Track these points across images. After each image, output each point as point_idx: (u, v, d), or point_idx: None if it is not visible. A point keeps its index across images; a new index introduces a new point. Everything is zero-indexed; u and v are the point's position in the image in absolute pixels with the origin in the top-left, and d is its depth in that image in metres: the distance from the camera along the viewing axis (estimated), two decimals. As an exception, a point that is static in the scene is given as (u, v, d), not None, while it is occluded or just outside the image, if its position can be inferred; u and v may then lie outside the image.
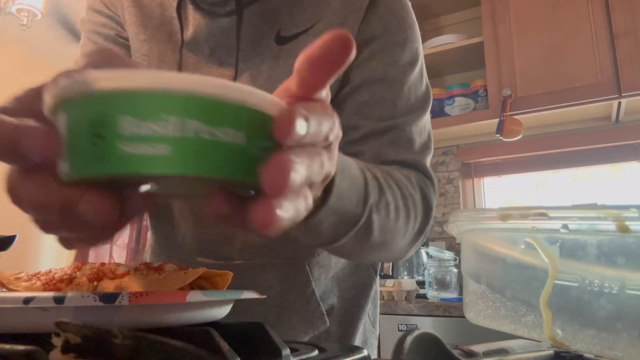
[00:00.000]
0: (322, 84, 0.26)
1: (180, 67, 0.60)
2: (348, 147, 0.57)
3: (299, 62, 0.25)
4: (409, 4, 0.62)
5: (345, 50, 0.24)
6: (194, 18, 0.60)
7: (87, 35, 0.68)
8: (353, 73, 0.58)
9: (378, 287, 0.76)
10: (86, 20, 0.69)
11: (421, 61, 0.62)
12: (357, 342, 0.71)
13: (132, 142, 0.19)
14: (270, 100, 0.22)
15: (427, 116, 0.63)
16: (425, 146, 0.61)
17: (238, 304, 0.62)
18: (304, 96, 0.26)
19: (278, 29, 0.59)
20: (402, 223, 0.51)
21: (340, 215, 0.40)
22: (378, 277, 0.75)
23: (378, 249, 0.51)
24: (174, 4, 0.61)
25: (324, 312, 0.63)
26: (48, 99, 0.22)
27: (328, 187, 0.36)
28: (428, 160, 0.61)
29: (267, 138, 0.22)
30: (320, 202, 0.37)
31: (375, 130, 0.56)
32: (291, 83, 0.27)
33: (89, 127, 0.19)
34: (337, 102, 0.58)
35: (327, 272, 0.67)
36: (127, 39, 0.66)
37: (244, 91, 0.20)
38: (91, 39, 0.67)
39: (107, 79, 0.19)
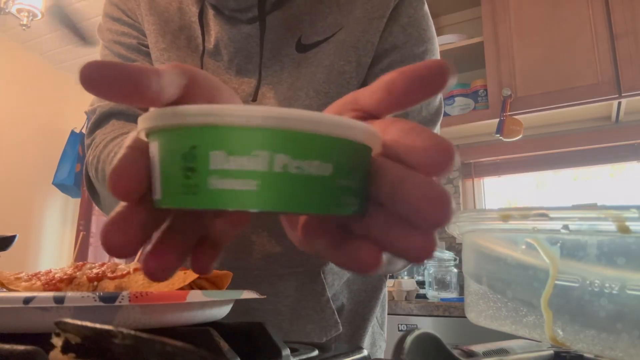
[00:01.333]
0: (410, 104, 0.24)
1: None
2: None
3: (392, 76, 0.23)
4: (429, 15, 0.63)
5: (445, 78, 0.23)
6: (214, 24, 0.60)
7: (107, 46, 0.66)
8: (370, 81, 0.58)
9: (386, 290, 0.76)
10: (104, 29, 0.66)
11: None
12: (366, 344, 0.70)
13: (222, 178, 0.19)
14: (363, 129, 0.21)
15: (437, 129, 0.64)
16: None
17: (252, 312, 0.62)
18: (380, 113, 0.25)
19: (299, 36, 0.59)
20: None
21: None
22: (387, 280, 0.76)
23: None
24: (194, 10, 0.60)
25: (339, 321, 0.63)
26: (142, 126, 0.22)
27: None
28: None
29: (359, 169, 0.21)
30: None
31: None
32: (360, 96, 0.25)
33: (182, 159, 0.19)
34: None
35: (341, 278, 0.67)
36: (148, 47, 0.64)
37: (337, 124, 0.20)
38: (112, 49, 0.65)
39: (201, 114, 0.19)
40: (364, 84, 0.59)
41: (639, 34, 1.79)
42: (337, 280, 0.66)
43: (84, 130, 3.35)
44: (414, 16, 0.60)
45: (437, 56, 0.63)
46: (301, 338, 0.62)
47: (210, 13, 0.60)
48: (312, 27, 0.59)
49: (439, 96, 0.63)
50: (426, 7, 0.62)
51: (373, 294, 0.71)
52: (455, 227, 0.41)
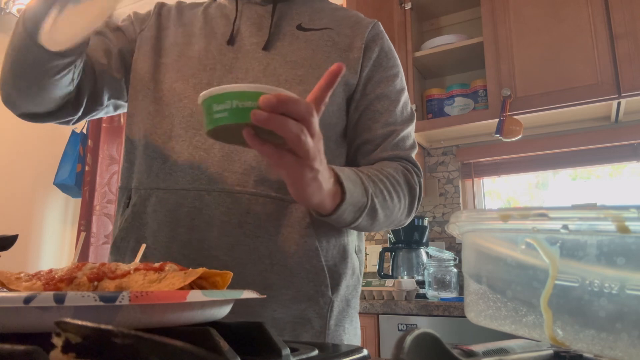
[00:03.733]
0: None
1: (231, 39, 0.80)
2: (364, 145, 0.82)
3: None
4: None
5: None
6: (239, 8, 0.84)
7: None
8: (369, 88, 0.82)
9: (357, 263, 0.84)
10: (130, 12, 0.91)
11: (406, 89, 0.88)
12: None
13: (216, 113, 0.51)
14: (258, 88, 0.50)
15: (413, 126, 0.87)
16: (412, 145, 0.85)
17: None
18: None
19: (299, 22, 0.83)
20: (396, 201, 0.75)
21: (354, 205, 0.66)
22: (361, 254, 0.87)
23: (385, 221, 0.75)
24: (217, 11, 0.85)
25: (318, 248, 0.73)
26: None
27: (342, 191, 0.64)
28: (414, 154, 0.85)
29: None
30: (340, 200, 0.64)
31: (382, 134, 0.81)
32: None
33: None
34: (357, 109, 0.82)
35: (328, 241, 0.76)
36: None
37: (249, 86, 0.50)
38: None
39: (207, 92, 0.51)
40: (363, 89, 0.82)
41: (638, 34, 1.79)
42: (325, 242, 0.75)
43: (84, 131, 3.34)
44: (389, 47, 0.86)
45: (401, 70, 0.88)
46: (287, 261, 0.71)
47: (237, 3, 0.84)
48: (310, 21, 0.83)
49: (409, 105, 0.87)
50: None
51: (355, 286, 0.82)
52: (455, 227, 0.41)
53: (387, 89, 0.83)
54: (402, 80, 0.87)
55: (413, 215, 0.82)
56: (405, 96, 0.86)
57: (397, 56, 0.88)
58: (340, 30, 0.83)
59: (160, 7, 0.89)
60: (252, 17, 0.82)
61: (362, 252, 0.86)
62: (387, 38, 0.87)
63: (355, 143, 0.82)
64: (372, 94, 0.81)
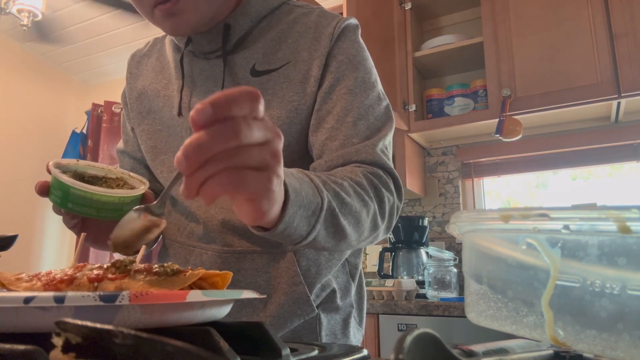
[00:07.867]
0: None
1: (181, 103, 0.79)
2: (332, 151, 0.73)
3: None
4: (359, 41, 0.79)
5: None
6: (191, 64, 0.81)
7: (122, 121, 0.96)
8: (330, 103, 0.74)
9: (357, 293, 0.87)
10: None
11: (377, 85, 0.79)
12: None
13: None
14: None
15: (388, 135, 0.76)
16: (385, 148, 0.75)
17: (236, 283, 0.74)
18: None
19: (253, 64, 0.77)
20: (359, 204, 0.63)
21: (305, 207, 0.52)
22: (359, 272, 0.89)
23: (354, 232, 0.63)
24: (172, 70, 0.83)
25: (309, 295, 0.75)
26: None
27: (285, 190, 0.49)
28: (388, 159, 0.74)
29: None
30: (284, 201, 0.49)
31: (348, 141, 0.72)
32: None
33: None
34: (320, 116, 0.74)
35: (318, 266, 0.77)
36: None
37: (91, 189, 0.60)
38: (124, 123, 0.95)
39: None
40: (325, 100, 0.74)
41: (638, 34, 1.79)
42: (313, 267, 0.77)
43: (84, 131, 3.34)
44: (345, 51, 0.76)
45: (370, 74, 0.77)
46: (278, 311, 0.75)
47: (186, 58, 0.81)
48: (265, 58, 0.77)
49: (383, 103, 0.77)
50: (357, 36, 0.79)
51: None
52: (456, 227, 0.41)
53: (345, 97, 0.74)
54: (366, 82, 0.76)
55: (390, 227, 0.72)
56: (372, 97, 0.76)
57: (357, 52, 0.77)
58: (298, 56, 0.76)
59: (123, 97, 0.93)
60: (205, 70, 0.79)
61: (358, 276, 0.88)
62: (355, 39, 0.78)
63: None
64: (333, 104, 0.74)
